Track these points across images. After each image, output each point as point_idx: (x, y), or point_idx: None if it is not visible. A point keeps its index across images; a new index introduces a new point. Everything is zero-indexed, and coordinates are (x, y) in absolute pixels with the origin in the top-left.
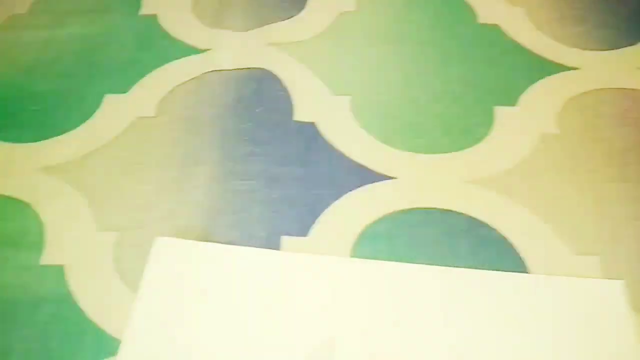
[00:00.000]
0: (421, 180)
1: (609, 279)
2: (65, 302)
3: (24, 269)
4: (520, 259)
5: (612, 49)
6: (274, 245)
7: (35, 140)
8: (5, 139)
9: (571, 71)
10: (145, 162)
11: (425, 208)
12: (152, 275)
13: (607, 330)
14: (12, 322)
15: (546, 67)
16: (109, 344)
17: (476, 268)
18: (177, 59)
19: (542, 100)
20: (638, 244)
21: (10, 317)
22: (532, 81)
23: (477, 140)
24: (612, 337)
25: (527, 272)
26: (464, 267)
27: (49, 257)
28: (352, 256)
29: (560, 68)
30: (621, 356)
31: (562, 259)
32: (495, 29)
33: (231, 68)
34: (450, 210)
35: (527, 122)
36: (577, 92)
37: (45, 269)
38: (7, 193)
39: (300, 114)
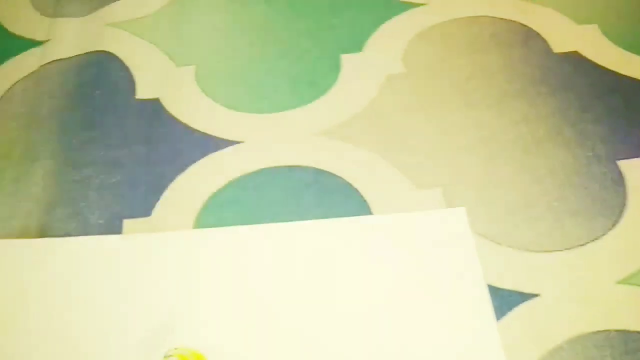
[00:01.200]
0: (267, 140)
1: (451, 207)
2: None
3: None
4: (365, 202)
5: None
6: (115, 230)
7: None
8: None
9: (418, 7)
10: None
11: (272, 167)
12: None
13: (454, 254)
14: None
15: (392, 7)
16: None
17: (323, 218)
18: (16, 54)
19: (387, 42)
20: (478, 170)
21: None
22: (378, 24)
23: (323, 91)
24: (458, 259)
25: (371, 214)
26: (311, 219)
27: None
28: (196, 227)
29: (407, 6)
30: (465, 275)
31: (405, 195)
32: None
33: (71, 55)
34: (297, 166)
35: (373, 66)
36: (423, 28)
37: None
38: None
39: (143, 92)
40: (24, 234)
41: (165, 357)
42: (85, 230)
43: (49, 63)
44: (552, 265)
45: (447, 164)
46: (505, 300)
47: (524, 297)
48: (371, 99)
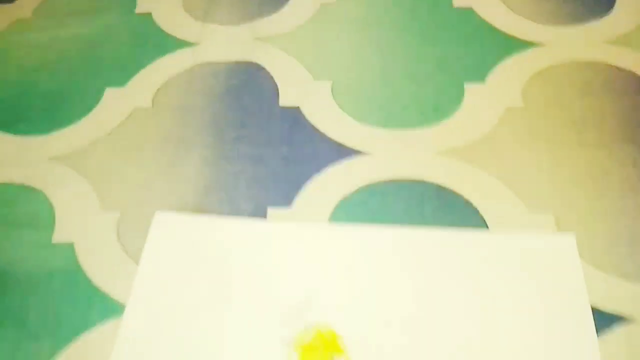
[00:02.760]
0: (394, 154)
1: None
2: (75, 273)
3: (37, 247)
4: (482, 219)
5: (578, 24)
6: (261, 216)
7: (43, 133)
8: (16, 132)
9: (536, 47)
10: (143, 148)
11: (397, 180)
12: (152, 245)
13: (561, 278)
14: (27, 293)
15: (514, 45)
16: (115, 308)
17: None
18: (169, 53)
19: (508, 76)
20: (588, 201)
21: (26, 288)
22: (501, 59)
23: (447, 115)
24: (565, 285)
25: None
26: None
27: (59, 236)
28: (330, 222)
29: (527, 45)
30: (571, 295)
31: (520, 217)
32: (468, 11)
33: (221, 61)
34: (420, 180)
35: (494, 97)
36: (541, 67)
37: (56, 246)
38: (20, 181)
39: (285, 100)
40: (181, 210)
41: (304, 329)
42: (236, 214)
43: (201, 64)
44: None
45: (559, 193)
46: (605, 322)
47: (623, 320)
48: (491, 127)
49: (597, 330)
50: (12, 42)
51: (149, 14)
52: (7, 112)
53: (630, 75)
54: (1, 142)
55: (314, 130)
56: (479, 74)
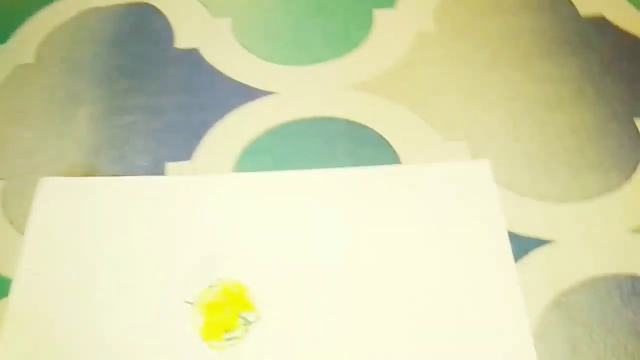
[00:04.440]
0: (302, 91)
1: (475, 159)
2: None
3: None
4: (395, 153)
5: None
6: (159, 173)
7: None
8: None
9: None
10: (27, 109)
11: (306, 119)
12: (38, 214)
13: (477, 201)
14: None
15: None
16: (3, 285)
17: (354, 167)
18: (53, 1)
19: (418, 0)
20: (501, 125)
21: None
22: None
23: (356, 45)
24: (481, 212)
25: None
26: (343, 167)
27: None
28: (235, 172)
29: None
30: (487, 221)
31: (433, 147)
32: None
33: (109, 4)
34: (330, 117)
35: (405, 22)
36: None
37: None
38: None
39: (182, 42)
40: (71, 174)
41: (209, 287)
42: (131, 172)
43: (88, 10)
44: (569, 214)
45: (473, 119)
46: (523, 245)
47: (540, 242)
48: (402, 55)
49: (517, 255)
50: None
51: None
52: None
53: None
54: None
55: (215, 72)
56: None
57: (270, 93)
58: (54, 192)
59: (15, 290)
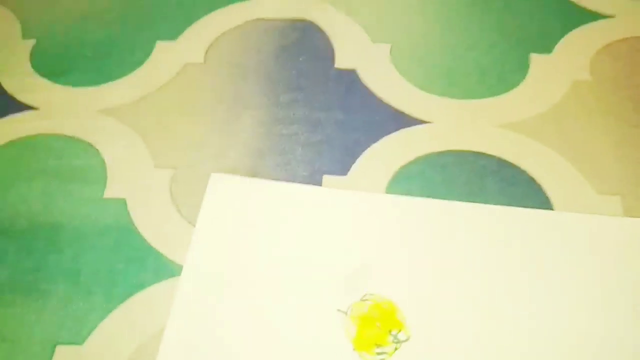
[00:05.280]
0: (455, 124)
1: (630, 217)
2: (128, 231)
3: (89, 202)
4: (547, 197)
5: None
6: (316, 183)
7: (93, 85)
8: (66, 83)
9: (606, 19)
10: (195, 105)
11: (458, 151)
12: (208, 207)
13: (629, 263)
14: (80, 248)
15: (583, 15)
16: (169, 267)
17: (505, 205)
18: (223, 6)
19: (576, 48)
20: None
21: (78, 243)
22: (568, 29)
23: (511, 86)
24: (633, 270)
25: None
26: (493, 204)
27: (111, 191)
28: (387, 193)
29: (597, 16)
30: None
31: (585, 198)
32: None
33: (275, 18)
34: (482, 153)
35: (560, 69)
36: (611, 40)
37: (108, 201)
38: (70, 134)
39: (341, 62)
40: (235, 172)
41: (361, 299)
42: (291, 179)
43: (255, 20)
44: None
45: (627, 174)
46: None
47: None
48: (557, 101)
49: None
50: None
51: None
52: (56, 61)
53: None
54: (50, 92)
55: (371, 95)
56: (546, 45)
57: (424, 122)
58: (223, 188)
59: (185, 277)
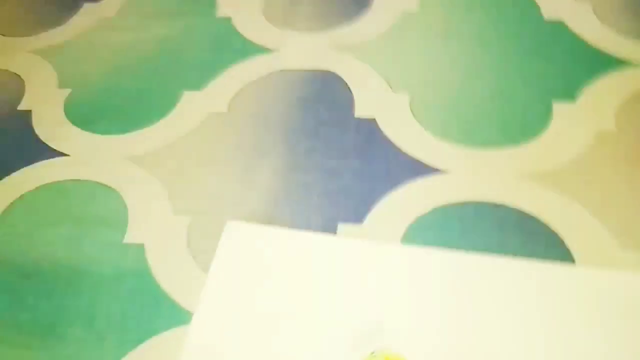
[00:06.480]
0: (475, 174)
1: None
2: (144, 276)
3: (109, 246)
4: (568, 251)
5: None
6: (331, 231)
7: (121, 133)
8: (96, 131)
9: (633, 66)
10: (216, 154)
11: (476, 202)
12: (222, 255)
13: None
14: (97, 293)
15: (608, 62)
16: (181, 315)
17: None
18: (247, 58)
19: (601, 97)
20: None
21: (96, 288)
22: (593, 77)
23: (532, 134)
24: None
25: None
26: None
27: (131, 236)
28: (403, 242)
29: (622, 63)
30: None
31: (609, 252)
32: (559, 24)
33: (297, 68)
34: (501, 204)
35: (584, 119)
36: (638, 89)
37: (127, 246)
38: (96, 179)
39: (361, 111)
40: (251, 219)
41: (371, 354)
42: (305, 227)
43: (278, 71)
44: None
45: None
46: None
47: None
48: (581, 152)
49: None
50: (96, 41)
51: (229, 19)
52: (88, 110)
53: None
54: (81, 140)
55: (389, 144)
56: (569, 93)
57: (441, 171)
58: (238, 236)
59: (195, 325)
